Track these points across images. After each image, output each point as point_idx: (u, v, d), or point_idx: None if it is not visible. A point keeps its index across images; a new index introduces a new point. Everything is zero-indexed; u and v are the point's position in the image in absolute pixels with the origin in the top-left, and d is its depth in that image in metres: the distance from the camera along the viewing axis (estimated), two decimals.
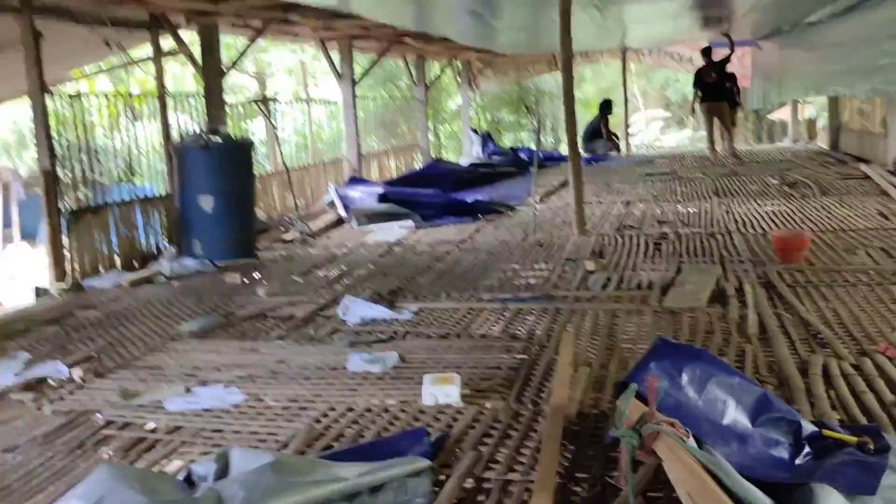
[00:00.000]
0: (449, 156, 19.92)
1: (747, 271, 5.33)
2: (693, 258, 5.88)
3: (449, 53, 14.46)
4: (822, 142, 15.82)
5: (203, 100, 7.81)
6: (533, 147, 20.60)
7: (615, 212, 8.45)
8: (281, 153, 8.97)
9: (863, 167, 10.27)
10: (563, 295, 5.02)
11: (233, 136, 7.24)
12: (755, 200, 8.57)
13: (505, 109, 22.08)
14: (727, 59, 12.94)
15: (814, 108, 17.84)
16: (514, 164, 13.96)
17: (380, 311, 4.81)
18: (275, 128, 9.24)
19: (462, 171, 12.35)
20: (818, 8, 9.74)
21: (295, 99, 11.43)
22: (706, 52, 13.07)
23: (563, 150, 20.08)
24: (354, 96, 10.94)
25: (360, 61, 13.55)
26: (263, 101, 9.27)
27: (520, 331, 4.30)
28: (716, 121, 13.31)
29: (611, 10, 9.75)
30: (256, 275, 6.43)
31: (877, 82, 7.87)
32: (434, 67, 15.92)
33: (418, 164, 14.29)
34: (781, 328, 4.02)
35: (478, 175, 12.32)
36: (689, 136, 26.13)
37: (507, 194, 10.44)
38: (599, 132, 14.84)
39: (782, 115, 19.04)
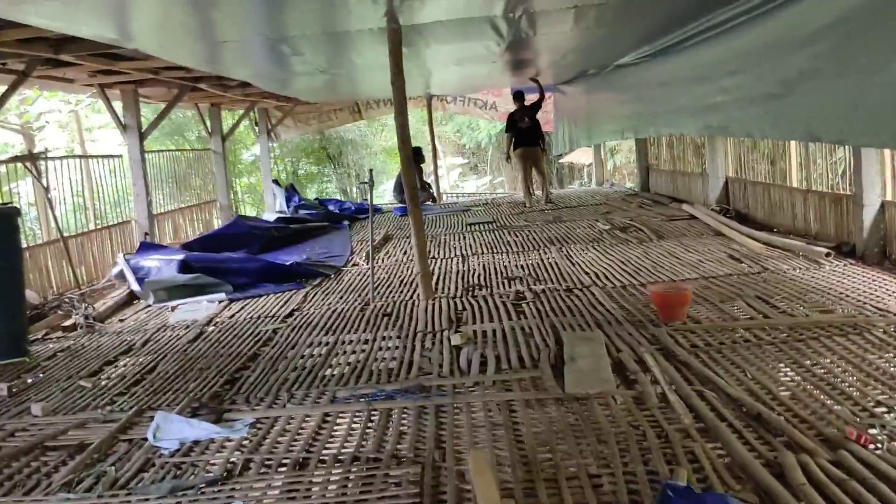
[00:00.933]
0: (250, 211, 18.52)
1: (632, 335, 4.69)
2: (563, 321, 5.19)
3: (246, 102, 13.25)
4: (630, 183, 16.24)
5: None
6: (340, 198, 19.81)
7: (454, 269, 7.68)
8: (55, 217, 7.39)
9: (686, 207, 10.30)
10: (438, 384, 4.08)
11: None
12: (593, 247, 8.18)
13: (306, 160, 21.02)
14: (539, 104, 12.84)
15: (619, 149, 18.41)
16: (326, 219, 12.94)
17: (203, 430, 3.63)
18: (46, 189, 7.61)
19: (271, 227, 11.12)
20: (631, 51, 9.69)
21: (69, 155, 9.69)
22: (518, 96, 12.90)
23: (376, 201, 19.44)
24: (142, 150, 9.47)
25: (147, 112, 12.04)
26: (30, 158, 7.57)
27: (401, 446, 3.30)
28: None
29: (415, 55, 9.13)
30: (28, 380, 4.96)
31: (712, 120, 7.75)
32: (229, 117, 14.60)
33: (219, 222, 12.88)
34: (715, 413, 3.34)
35: (289, 232, 11.14)
36: (487, 183, 26.41)
37: (327, 253, 9.40)
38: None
39: (575, 157, 19.50)
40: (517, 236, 9.48)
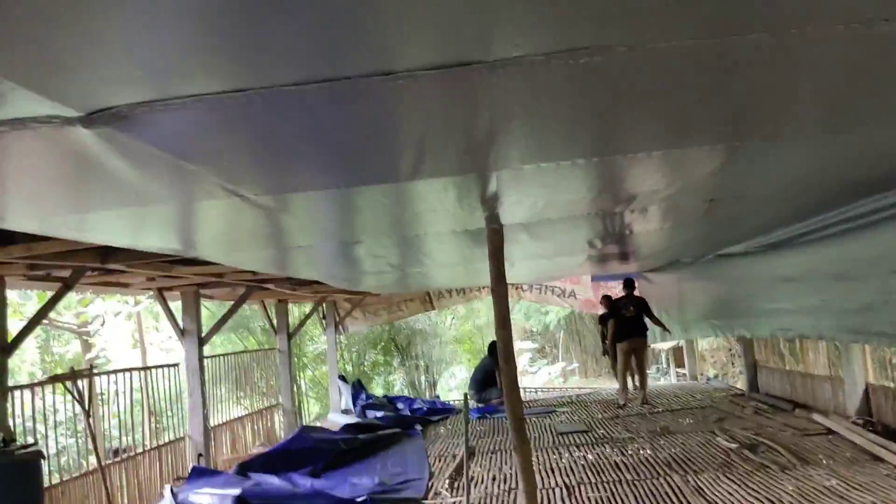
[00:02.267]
0: (314, 408, 17.45)
1: None
2: None
3: (315, 297, 12.51)
4: (732, 379, 14.75)
5: None
6: (408, 393, 18.57)
7: None
8: (95, 448, 6.35)
9: (818, 418, 8.78)
10: None
11: (6, 447, 4.57)
12: (726, 476, 6.73)
13: (373, 350, 20.08)
14: (647, 306, 11.84)
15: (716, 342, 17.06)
16: (397, 423, 11.69)
17: None
18: (87, 413, 6.64)
19: (338, 440, 9.93)
20: (742, 241, 8.66)
21: (116, 370, 8.77)
22: (629, 283, 11.92)
23: (445, 397, 18.15)
24: (201, 358, 8.59)
25: (210, 307, 11.34)
26: (72, 377, 6.65)
27: None
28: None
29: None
30: None
31: (857, 323, 6.51)
32: (295, 308, 13.87)
33: (281, 431, 11.75)
34: None
35: (358, 444, 9.91)
36: (559, 371, 24.96)
37: (401, 475, 8.10)
38: (493, 378, 12.95)
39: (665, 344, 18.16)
40: (624, 455, 8.07)
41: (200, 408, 8.49)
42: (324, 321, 15.40)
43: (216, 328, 8.96)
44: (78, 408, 6.63)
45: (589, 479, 7.20)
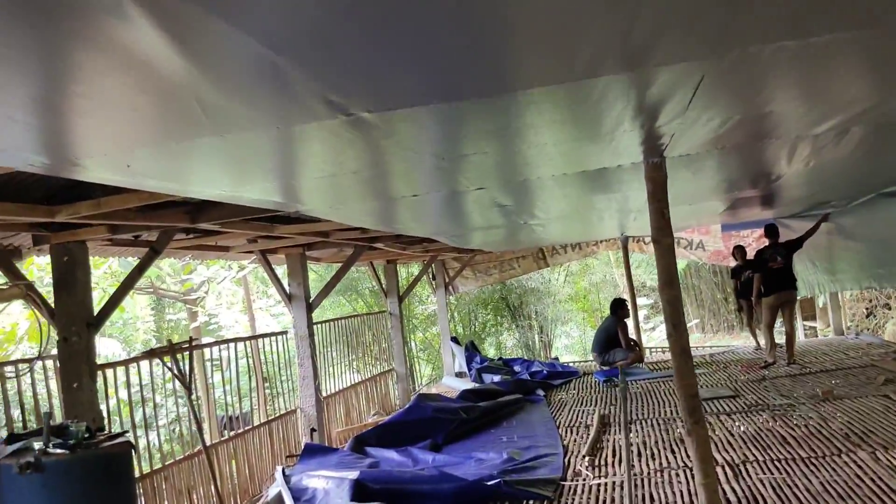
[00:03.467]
0: (426, 371, 16.91)
1: None
2: None
3: (424, 256, 11.79)
4: (879, 333, 13.25)
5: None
6: (524, 356, 17.76)
7: (731, 497, 5.33)
8: (200, 429, 5.80)
9: None
10: None
11: (91, 438, 3.96)
12: None
13: (484, 311, 19.33)
14: (800, 243, 10.57)
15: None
16: (517, 388, 10.89)
17: None
18: (188, 390, 6.08)
19: (457, 409, 9.22)
20: None
21: (218, 340, 8.26)
22: (772, 231, 10.68)
23: (563, 358, 17.25)
24: (311, 324, 7.98)
25: (317, 270, 10.79)
26: (170, 351, 6.07)
27: None
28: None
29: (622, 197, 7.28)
30: None
31: None
32: (403, 270, 13.21)
33: (396, 398, 11.16)
34: None
35: (479, 413, 9.18)
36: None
37: (531, 450, 7.28)
38: (617, 339, 11.95)
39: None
40: (789, 426, 6.99)
41: (312, 378, 7.91)
42: (434, 282, 14.72)
43: (325, 292, 8.32)
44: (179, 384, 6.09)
45: (754, 455, 6.19)
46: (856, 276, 11.50)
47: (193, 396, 6.24)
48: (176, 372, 5.92)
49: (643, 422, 7.98)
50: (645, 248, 15.15)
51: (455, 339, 14.70)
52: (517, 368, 13.27)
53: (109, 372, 5.71)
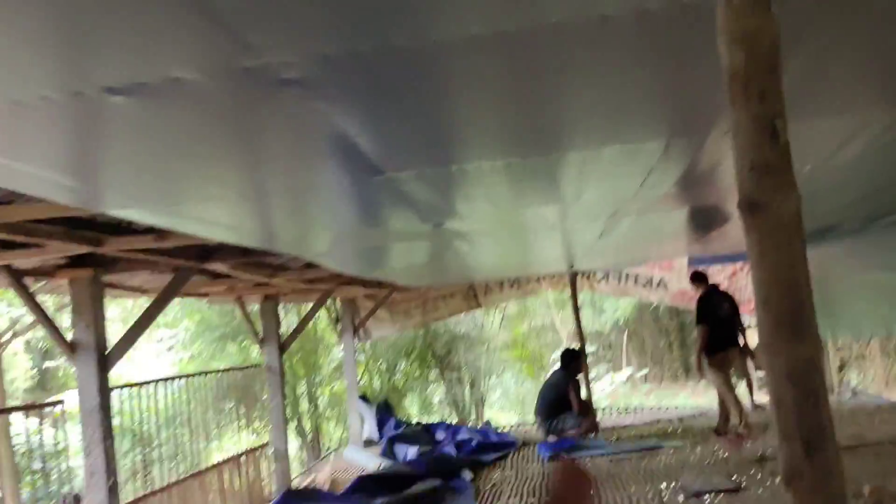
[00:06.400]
0: (335, 433, 14.03)
1: None
2: None
3: (316, 291, 8.97)
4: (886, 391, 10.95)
5: None
6: (451, 420, 14.70)
7: None
8: None
9: None
10: None
11: None
12: None
13: (405, 359, 16.47)
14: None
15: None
16: (438, 469, 8.03)
17: None
18: None
19: None
20: None
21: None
22: (701, 276, 8.62)
23: (498, 422, 14.38)
24: (105, 388, 5.08)
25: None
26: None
27: None
28: None
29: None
30: None
31: None
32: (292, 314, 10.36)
33: (273, 484, 8.20)
34: None
35: None
36: (626, 377, 21.20)
37: None
38: (567, 401, 9.24)
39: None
40: None
41: (103, 474, 4.97)
42: (338, 325, 11.90)
43: (130, 338, 5.38)
44: None
45: None
46: (862, 321, 9.29)
47: None
48: None
49: None
50: (596, 287, 12.63)
51: (364, 398, 11.87)
52: (440, 436, 10.46)
53: None
